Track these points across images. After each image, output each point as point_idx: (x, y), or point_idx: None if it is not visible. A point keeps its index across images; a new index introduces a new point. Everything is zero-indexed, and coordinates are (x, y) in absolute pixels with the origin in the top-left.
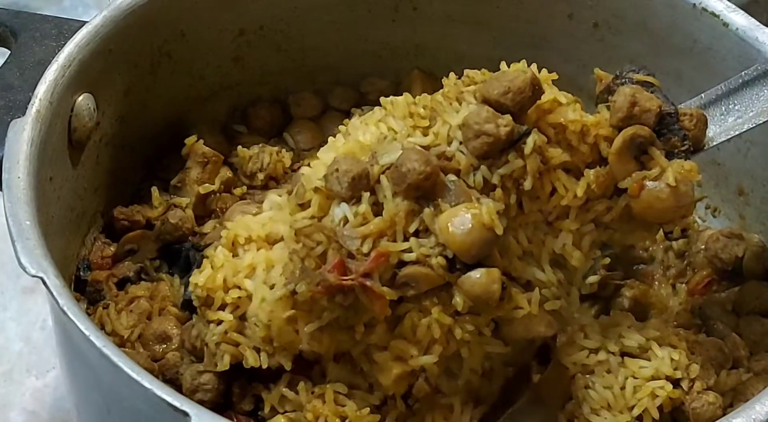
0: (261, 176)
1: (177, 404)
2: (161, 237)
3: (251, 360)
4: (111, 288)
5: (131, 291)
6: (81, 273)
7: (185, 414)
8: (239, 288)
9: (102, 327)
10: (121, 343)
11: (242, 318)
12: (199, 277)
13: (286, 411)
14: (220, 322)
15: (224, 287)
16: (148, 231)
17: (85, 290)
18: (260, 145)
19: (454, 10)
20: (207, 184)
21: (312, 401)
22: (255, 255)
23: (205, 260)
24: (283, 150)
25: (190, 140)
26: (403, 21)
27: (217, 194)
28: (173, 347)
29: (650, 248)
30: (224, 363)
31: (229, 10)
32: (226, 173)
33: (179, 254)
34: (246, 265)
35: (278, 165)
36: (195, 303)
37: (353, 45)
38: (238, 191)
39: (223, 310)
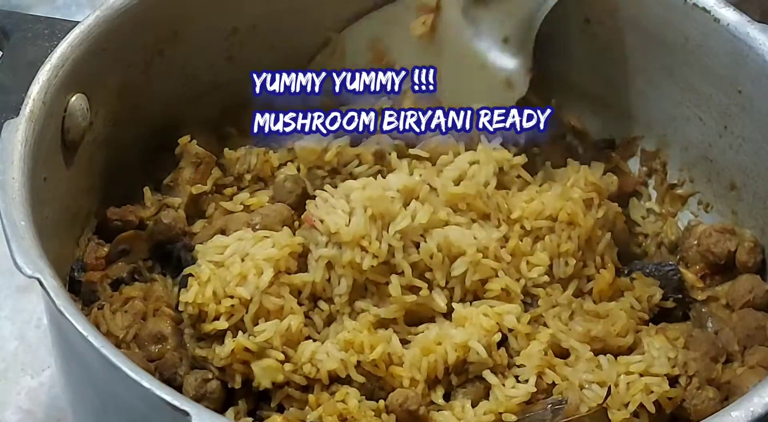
0: (248, 177)
1: (177, 404)
2: (154, 237)
3: (264, 381)
4: (105, 289)
5: (125, 291)
6: (75, 274)
7: (186, 413)
8: (231, 297)
9: (97, 327)
10: (116, 344)
11: (238, 328)
12: (187, 295)
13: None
14: (219, 335)
15: (215, 299)
16: (141, 231)
17: (79, 291)
18: (247, 146)
19: None
20: (199, 185)
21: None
22: (242, 264)
23: (190, 278)
24: (270, 151)
25: (184, 140)
26: None
27: (209, 195)
28: (169, 347)
29: (642, 244)
30: (237, 383)
31: (222, 9)
32: (217, 174)
33: (171, 254)
34: (236, 274)
35: (265, 166)
36: (187, 321)
37: None
38: (228, 191)
39: (218, 320)
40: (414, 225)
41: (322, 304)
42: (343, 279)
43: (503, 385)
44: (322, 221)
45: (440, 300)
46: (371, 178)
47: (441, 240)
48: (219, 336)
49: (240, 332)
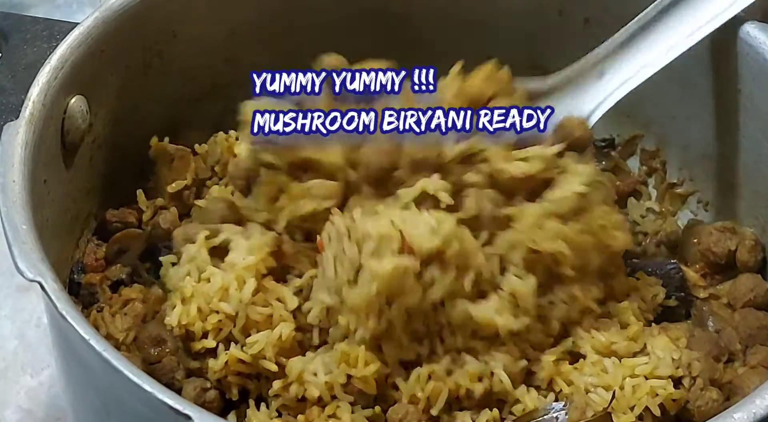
0: (218, 169)
1: (179, 407)
2: (151, 240)
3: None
4: (105, 290)
5: (124, 293)
6: (75, 275)
7: (188, 417)
8: (217, 312)
9: (96, 330)
10: (116, 346)
11: (229, 340)
12: (172, 317)
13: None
14: (211, 350)
15: (201, 316)
16: (136, 229)
17: (78, 293)
18: (214, 135)
19: (445, 6)
20: (177, 181)
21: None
22: (223, 276)
23: (173, 297)
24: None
25: (153, 141)
26: (395, 17)
27: (192, 188)
28: (168, 350)
29: (642, 243)
30: (234, 394)
31: (221, 10)
32: (200, 165)
33: (154, 253)
34: (217, 289)
35: (231, 152)
36: (177, 343)
37: (345, 42)
38: (210, 184)
39: (206, 338)
40: (424, 302)
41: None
42: (338, 328)
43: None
44: (327, 261)
45: (442, 353)
46: (398, 220)
47: (461, 316)
48: (211, 351)
49: (232, 344)
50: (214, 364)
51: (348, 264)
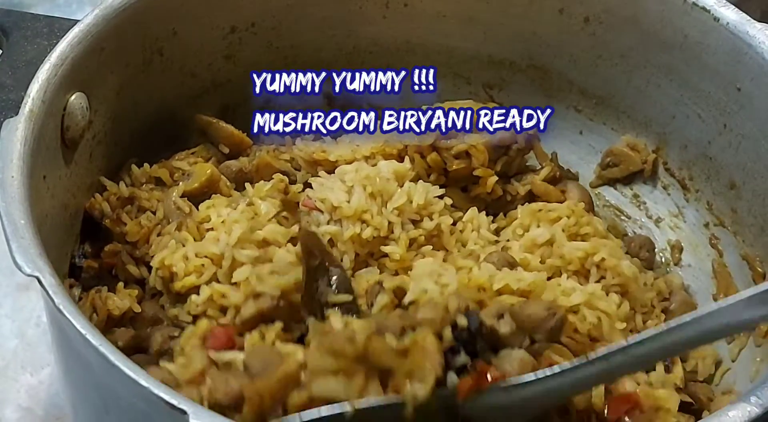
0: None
1: (174, 402)
2: None
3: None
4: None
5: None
6: (76, 260)
7: (183, 412)
8: (204, 257)
9: (94, 310)
10: (114, 324)
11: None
12: (158, 258)
13: None
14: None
15: (184, 260)
16: None
17: (80, 276)
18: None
19: (444, 6)
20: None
21: None
22: (217, 233)
23: (171, 243)
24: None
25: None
26: (394, 17)
27: None
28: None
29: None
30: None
31: (221, 8)
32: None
33: None
34: (209, 238)
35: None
36: (158, 285)
37: (344, 41)
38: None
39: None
40: (411, 205)
41: None
42: (346, 256)
43: None
44: (323, 200)
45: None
46: (362, 162)
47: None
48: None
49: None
50: (197, 299)
51: (339, 191)
